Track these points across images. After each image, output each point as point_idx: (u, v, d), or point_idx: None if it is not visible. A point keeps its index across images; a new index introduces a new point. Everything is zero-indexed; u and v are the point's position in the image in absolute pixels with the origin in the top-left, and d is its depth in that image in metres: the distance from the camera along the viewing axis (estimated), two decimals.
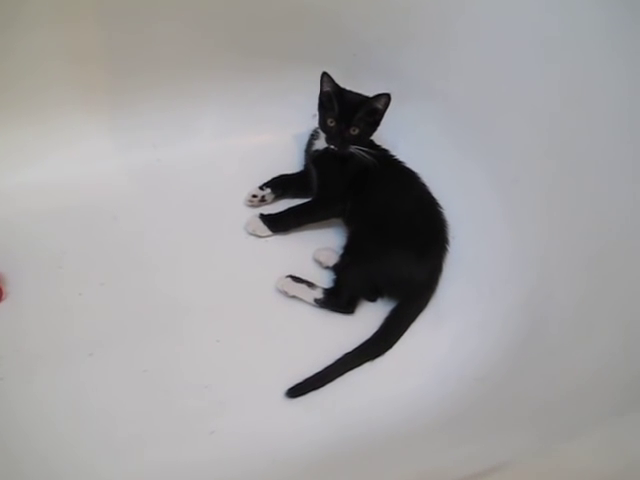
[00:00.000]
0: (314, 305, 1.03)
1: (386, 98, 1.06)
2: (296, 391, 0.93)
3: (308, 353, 0.96)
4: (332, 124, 1.08)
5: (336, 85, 1.08)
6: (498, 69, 1.11)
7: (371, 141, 1.14)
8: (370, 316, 1.03)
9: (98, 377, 0.93)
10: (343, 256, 1.06)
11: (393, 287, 1.04)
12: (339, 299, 1.03)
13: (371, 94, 1.08)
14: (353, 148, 1.07)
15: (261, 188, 1.16)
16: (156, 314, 1.00)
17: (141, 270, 1.05)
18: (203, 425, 0.90)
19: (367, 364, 0.97)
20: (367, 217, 1.08)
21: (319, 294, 1.03)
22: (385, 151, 1.16)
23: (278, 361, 0.97)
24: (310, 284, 1.04)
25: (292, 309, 1.03)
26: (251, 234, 1.11)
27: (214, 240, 1.10)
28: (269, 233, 1.11)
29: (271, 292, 1.05)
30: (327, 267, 1.09)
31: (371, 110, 1.07)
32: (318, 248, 1.10)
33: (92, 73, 1.12)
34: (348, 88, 1.11)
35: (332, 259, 1.08)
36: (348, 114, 1.06)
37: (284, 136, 1.26)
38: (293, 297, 1.04)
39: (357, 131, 1.07)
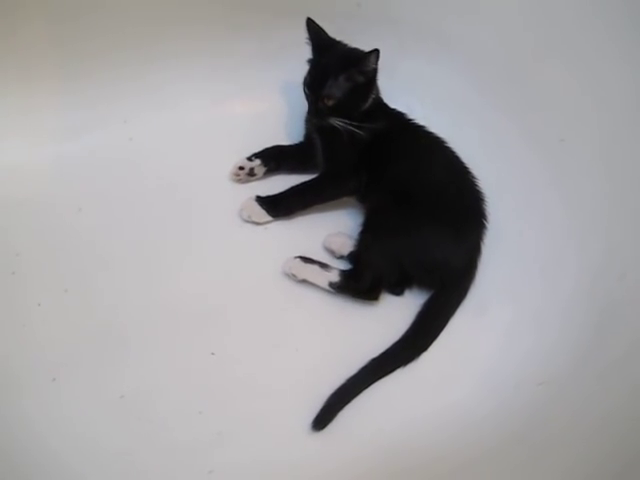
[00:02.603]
0: (329, 290, 0.95)
1: (374, 57, 0.93)
2: (322, 419, 0.84)
3: (325, 362, 0.89)
4: (306, 92, 0.98)
5: (319, 36, 0.98)
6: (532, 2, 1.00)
7: (383, 105, 1.04)
8: (399, 311, 0.95)
9: (63, 407, 0.85)
10: (363, 234, 0.97)
11: (425, 274, 0.96)
12: (361, 282, 0.94)
13: (379, 46, 0.93)
14: (336, 122, 0.96)
15: (249, 159, 1.06)
16: (133, 325, 0.92)
17: (113, 272, 0.97)
18: (198, 463, 0.82)
19: (398, 372, 0.90)
20: (387, 192, 0.98)
21: (335, 276, 0.95)
22: (401, 115, 1.05)
23: (288, 375, 0.90)
24: (323, 265, 0.96)
25: (301, 308, 0.96)
26: (247, 221, 1.03)
27: (202, 231, 1.03)
28: (269, 219, 1.03)
29: (274, 290, 0.97)
30: (341, 256, 1.01)
31: (353, 74, 0.95)
32: (329, 234, 1.02)
33: (36, 31, 1.00)
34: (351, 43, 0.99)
35: (347, 246, 1.00)
36: (321, 80, 0.95)
37: (280, 103, 1.15)
38: (303, 281, 0.96)
39: (332, 102, 0.96)
